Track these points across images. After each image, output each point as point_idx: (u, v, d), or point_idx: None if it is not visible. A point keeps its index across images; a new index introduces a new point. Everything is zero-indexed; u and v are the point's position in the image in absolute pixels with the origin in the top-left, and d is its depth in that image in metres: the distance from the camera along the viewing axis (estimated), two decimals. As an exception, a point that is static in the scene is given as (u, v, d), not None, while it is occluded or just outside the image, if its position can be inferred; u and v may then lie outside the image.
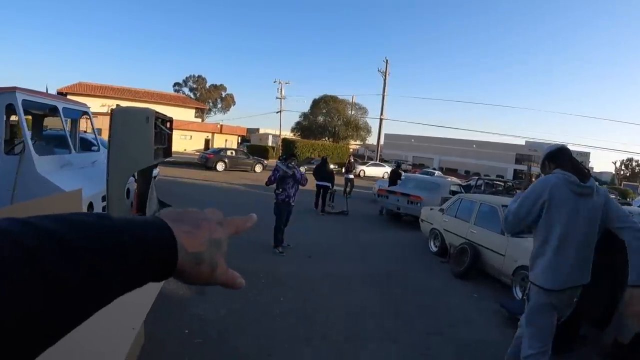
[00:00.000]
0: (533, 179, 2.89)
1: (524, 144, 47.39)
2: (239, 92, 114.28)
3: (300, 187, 5.57)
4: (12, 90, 3.69)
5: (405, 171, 19.60)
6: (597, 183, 2.23)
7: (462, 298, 4.53)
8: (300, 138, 36.18)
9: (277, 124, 37.29)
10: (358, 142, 44.47)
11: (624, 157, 61.33)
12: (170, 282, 3.89)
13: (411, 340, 3.33)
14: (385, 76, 31.92)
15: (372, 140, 43.33)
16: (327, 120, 40.66)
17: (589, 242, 2.15)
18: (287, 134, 41.20)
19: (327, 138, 39.22)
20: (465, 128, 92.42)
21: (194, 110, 41.47)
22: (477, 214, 5.64)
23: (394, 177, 11.26)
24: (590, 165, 53.59)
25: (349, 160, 13.06)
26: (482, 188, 13.61)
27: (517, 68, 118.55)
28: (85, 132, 7.52)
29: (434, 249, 6.54)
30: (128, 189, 4.93)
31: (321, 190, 9.80)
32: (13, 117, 4.46)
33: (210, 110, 58.42)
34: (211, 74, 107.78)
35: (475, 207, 5.77)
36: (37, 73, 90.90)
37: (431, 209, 7.04)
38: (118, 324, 1.79)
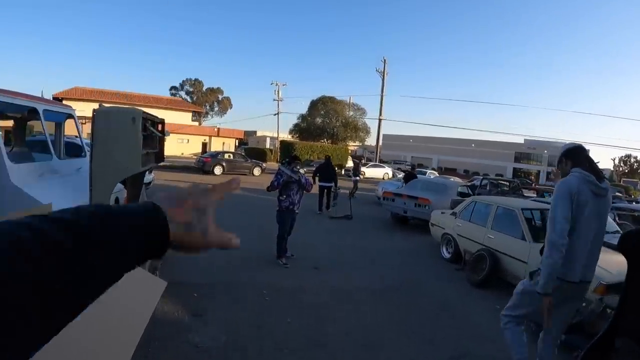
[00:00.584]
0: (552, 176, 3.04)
1: (522, 142, 47.25)
2: (236, 94, 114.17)
3: (305, 192, 5.16)
4: (-19, 90, 3.27)
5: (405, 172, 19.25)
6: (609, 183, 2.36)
7: (484, 311, 4.13)
8: (298, 140, 35.76)
9: (275, 127, 36.92)
10: (357, 143, 44.08)
11: (622, 153, 61.38)
12: (165, 305, 3.48)
13: (436, 366, 2.93)
14: (384, 76, 31.65)
15: (370, 141, 43.02)
16: (325, 121, 40.25)
17: (600, 240, 2.30)
18: (285, 136, 40.81)
19: (325, 139, 38.79)
20: (463, 127, 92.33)
21: (190, 114, 41.11)
22: (494, 218, 5.26)
23: (409, 179, 10.88)
24: (589, 162, 53.35)
25: (356, 163, 12.87)
26: (488, 188, 13.27)
27: (514, 65, 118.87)
28: (77, 137, 7.11)
29: (447, 255, 6.14)
30: (117, 198, 4.53)
31: (324, 191, 9.92)
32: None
33: (207, 113, 58.06)
34: (208, 77, 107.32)
35: (491, 210, 5.38)
36: (33, 80, 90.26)
37: (442, 213, 6.65)
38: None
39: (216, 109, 60.74)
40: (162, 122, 4.57)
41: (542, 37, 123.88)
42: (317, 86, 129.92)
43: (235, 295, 3.87)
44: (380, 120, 31.90)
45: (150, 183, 9.88)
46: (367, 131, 41.12)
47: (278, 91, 36.16)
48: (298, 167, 5.11)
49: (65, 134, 5.38)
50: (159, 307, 3.42)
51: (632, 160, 63.41)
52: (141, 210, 0.41)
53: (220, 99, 60.54)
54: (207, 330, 3.14)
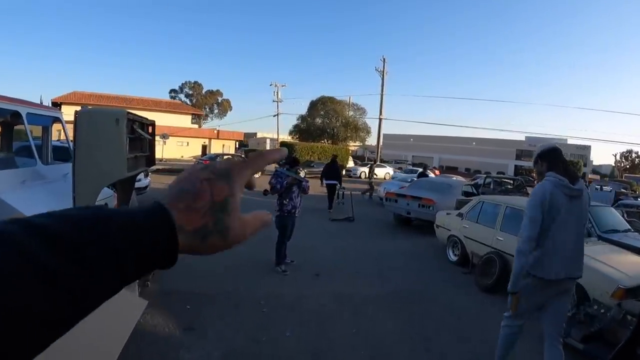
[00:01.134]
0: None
1: (524, 139, 46.99)
2: (236, 97, 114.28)
3: (303, 194, 4.92)
4: (-46, 92, 3.06)
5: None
6: (585, 184, 2.49)
7: (495, 318, 3.86)
8: (298, 141, 35.53)
9: (275, 128, 36.67)
10: (357, 143, 43.83)
11: (624, 148, 61.02)
12: (156, 318, 3.25)
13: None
14: (383, 75, 31.44)
15: (371, 141, 42.79)
16: (325, 122, 40.02)
17: (580, 239, 2.43)
18: (285, 137, 40.58)
19: (326, 140, 38.55)
20: (464, 125, 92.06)
21: (190, 117, 40.95)
22: (503, 219, 5.02)
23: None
24: (590, 158, 53.21)
25: (371, 165, 14.47)
26: (492, 187, 13.04)
27: (515, 62, 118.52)
28: (72, 141, 6.91)
29: (453, 258, 5.90)
30: (106, 204, 4.31)
31: (331, 189, 10.30)
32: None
33: (207, 116, 57.98)
34: (207, 80, 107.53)
35: (500, 210, 5.14)
36: (32, 85, 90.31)
37: (447, 214, 6.41)
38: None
39: (216, 111, 60.69)
40: (152, 123, 4.34)
41: (542, 33, 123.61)
42: (317, 87, 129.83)
43: (230, 306, 3.63)
44: (380, 119, 31.68)
45: (146, 187, 9.66)
46: (367, 131, 40.89)
47: (277, 92, 35.95)
48: (299, 169, 4.88)
49: (62, 138, 5.18)
50: (148, 321, 3.19)
51: (634, 155, 63.10)
52: (142, 218, 0.33)
53: (219, 101, 60.47)
54: (200, 346, 2.91)
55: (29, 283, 0.27)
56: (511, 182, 13.19)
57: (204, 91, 59.41)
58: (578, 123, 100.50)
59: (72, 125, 3.17)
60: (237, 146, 43.05)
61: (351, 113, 40.92)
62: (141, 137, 3.76)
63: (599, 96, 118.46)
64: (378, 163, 28.60)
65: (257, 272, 4.71)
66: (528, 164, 47.99)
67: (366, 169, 26.90)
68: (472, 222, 5.59)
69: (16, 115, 4.01)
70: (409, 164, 35.91)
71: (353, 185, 17.82)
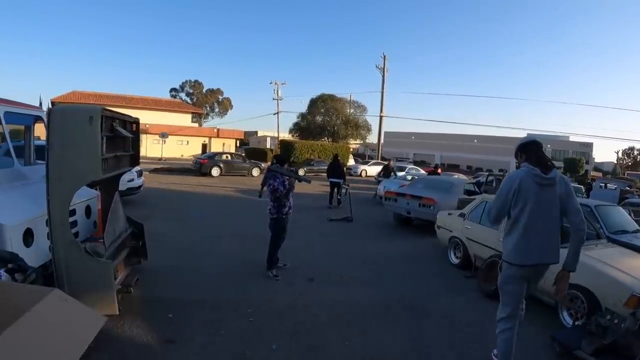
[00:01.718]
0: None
1: (525, 136, 46.62)
2: (236, 95, 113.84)
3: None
4: None
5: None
6: (564, 175, 2.61)
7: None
8: (298, 139, 35.25)
9: (275, 126, 36.38)
10: (358, 141, 43.49)
11: (626, 145, 60.50)
12: (135, 328, 3.04)
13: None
14: (384, 72, 31.14)
15: (372, 138, 42.47)
16: (325, 119, 39.69)
17: (552, 226, 2.53)
18: (286, 135, 40.30)
19: (326, 138, 38.24)
20: (465, 122, 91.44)
21: (190, 116, 40.73)
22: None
23: None
24: (592, 156, 52.66)
25: (388, 165, 13.86)
26: (494, 185, 12.78)
27: (516, 60, 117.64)
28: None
29: (455, 260, 5.67)
30: (89, 206, 4.09)
31: (334, 186, 10.70)
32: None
33: (207, 114, 57.75)
34: (208, 79, 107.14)
35: (503, 211, 4.89)
36: (32, 84, 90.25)
37: (449, 214, 6.17)
38: None
39: (216, 110, 60.49)
40: (136, 121, 4.13)
41: (543, 31, 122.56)
42: (317, 85, 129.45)
43: (215, 315, 3.41)
44: (381, 117, 31.38)
45: (140, 187, 9.44)
46: (368, 129, 40.56)
47: (277, 90, 35.66)
48: (292, 168, 4.65)
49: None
50: (126, 332, 2.99)
51: (636, 152, 62.52)
52: None
53: (220, 99, 60.24)
54: (181, 356, 2.70)
55: None
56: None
57: (204, 90, 59.21)
58: (580, 120, 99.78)
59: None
60: (237, 145, 42.82)
61: (351, 111, 40.58)
62: (122, 135, 3.55)
63: (601, 94, 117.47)
64: (378, 161, 28.19)
65: (247, 277, 4.48)
66: (530, 161, 47.53)
67: (367, 167, 26.56)
68: (474, 222, 5.35)
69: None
70: (410, 162, 35.60)
71: (358, 185, 17.57)
